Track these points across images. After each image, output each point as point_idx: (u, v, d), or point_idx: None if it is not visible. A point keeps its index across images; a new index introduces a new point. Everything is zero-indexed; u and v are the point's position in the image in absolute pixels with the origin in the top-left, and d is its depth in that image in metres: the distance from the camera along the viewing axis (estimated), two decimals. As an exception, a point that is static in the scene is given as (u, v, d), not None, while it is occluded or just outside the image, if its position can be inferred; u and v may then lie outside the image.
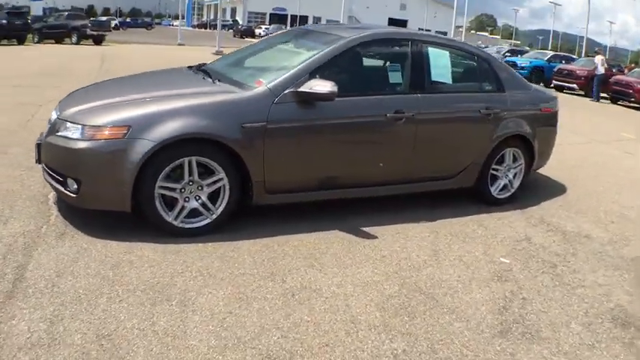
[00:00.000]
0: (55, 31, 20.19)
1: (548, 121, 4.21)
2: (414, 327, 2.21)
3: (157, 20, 73.53)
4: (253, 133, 2.79)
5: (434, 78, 3.51)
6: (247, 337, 2.02)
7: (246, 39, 34.50)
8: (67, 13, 22.76)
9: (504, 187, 3.99)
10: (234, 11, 62.31)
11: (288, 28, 36.03)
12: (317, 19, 45.73)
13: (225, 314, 2.14)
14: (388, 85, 3.41)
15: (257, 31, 38.53)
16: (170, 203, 2.75)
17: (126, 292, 2.22)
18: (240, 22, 50.45)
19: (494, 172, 3.89)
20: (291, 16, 52.62)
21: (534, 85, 4.59)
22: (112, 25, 32.34)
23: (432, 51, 3.53)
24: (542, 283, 2.75)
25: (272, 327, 2.09)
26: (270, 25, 44.57)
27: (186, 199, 2.77)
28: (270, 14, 57.17)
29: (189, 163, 2.70)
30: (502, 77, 3.88)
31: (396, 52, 3.57)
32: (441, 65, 3.57)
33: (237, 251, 2.71)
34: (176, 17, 54.73)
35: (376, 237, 3.12)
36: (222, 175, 2.79)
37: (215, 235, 2.82)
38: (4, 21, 17.31)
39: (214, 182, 2.80)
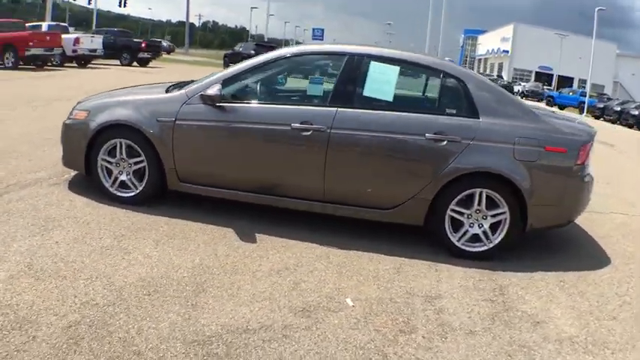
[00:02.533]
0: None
1: (559, 164, 3.27)
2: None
3: None
4: (165, 127, 3.42)
5: (368, 94, 3.31)
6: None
7: None
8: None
9: (476, 238, 3.32)
10: (501, 67, 63.69)
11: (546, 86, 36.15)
12: (582, 82, 42.28)
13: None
14: (304, 97, 3.43)
15: (516, 88, 37.32)
16: (110, 173, 3.65)
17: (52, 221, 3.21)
18: (505, 79, 51.51)
19: (456, 216, 3.30)
20: (558, 76, 49.58)
21: (559, 115, 3.60)
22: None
23: (375, 66, 3.34)
24: None
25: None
26: (531, 82, 43.48)
27: (120, 172, 3.62)
28: (536, 72, 57.54)
29: (120, 144, 3.55)
30: (478, 100, 3.28)
31: (326, 66, 3.53)
32: (381, 81, 3.32)
33: (134, 218, 3.39)
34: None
35: (256, 244, 3.26)
36: (143, 158, 3.52)
37: (139, 208, 3.58)
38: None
39: (137, 163, 3.56)
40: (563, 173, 3.31)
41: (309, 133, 3.25)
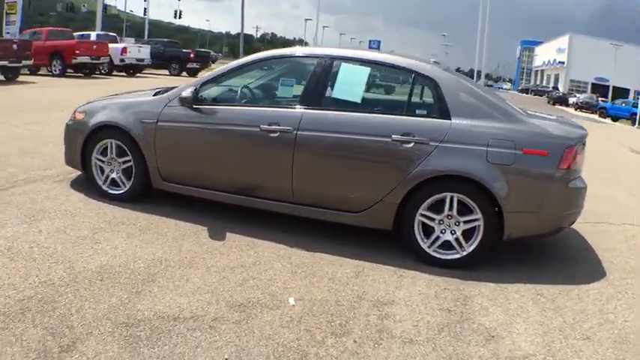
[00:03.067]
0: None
1: (540, 168, 3.06)
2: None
3: (489, 82, 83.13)
4: (148, 128, 3.63)
5: (337, 95, 3.32)
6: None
7: (557, 106, 34.65)
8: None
9: (448, 245, 3.18)
10: (557, 79, 62.95)
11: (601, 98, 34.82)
12: (638, 93, 39.55)
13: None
14: (274, 99, 3.48)
15: (571, 100, 36.01)
16: (103, 171, 3.91)
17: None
18: (561, 90, 50.62)
19: (426, 221, 3.18)
20: (614, 87, 46.91)
21: (551, 117, 3.52)
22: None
23: (345, 67, 3.35)
24: None
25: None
26: (586, 93, 41.65)
27: (111, 170, 3.88)
28: (592, 84, 56.03)
29: (111, 144, 3.81)
30: (450, 101, 3.17)
31: (296, 69, 3.56)
32: (350, 82, 3.31)
33: (118, 213, 3.61)
34: (510, 80, 59.28)
35: (223, 242, 3.33)
36: (131, 157, 3.75)
37: (127, 204, 3.79)
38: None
39: (125, 162, 3.79)
40: (544, 178, 3.08)
41: (276, 134, 3.30)
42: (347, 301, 2.70)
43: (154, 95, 3.82)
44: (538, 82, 66.81)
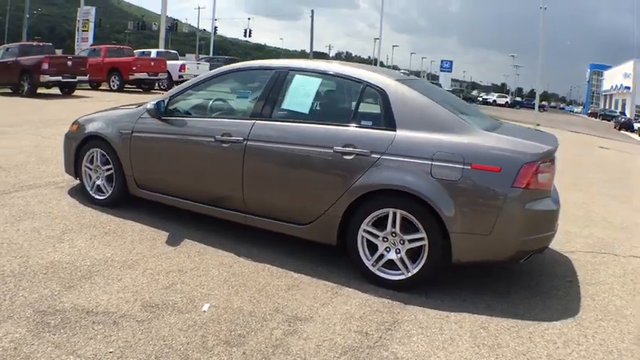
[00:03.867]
0: None
1: (491, 185, 2.86)
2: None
3: (560, 105, 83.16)
4: (125, 138, 3.93)
5: (288, 107, 3.38)
6: None
7: (622, 131, 33.09)
8: None
9: (393, 265, 3.06)
10: (624, 103, 62.05)
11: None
12: None
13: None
14: (233, 111, 3.59)
15: (636, 125, 33.80)
16: (90, 178, 4.26)
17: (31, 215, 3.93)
18: (628, 115, 48.88)
19: (370, 238, 3.10)
20: None
21: (522, 131, 3.32)
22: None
23: (298, 79, 3.43)
24: None
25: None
26: None
27: (97, 177, 4.21)
28: None
29: (96, 153, 4.16)
30: (398, 112, 3.11)
31: (256, 80, 3.66)
32: (302, 94, 3.37)
33: (94, 217, 3.90)
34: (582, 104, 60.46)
35: (175, 247, 3.47)
36: (112, 166, 4.06)
37: (109, 209, 4.09)
38: None
39: (108, 170, 4.11)
40: (495, 197, 2.87)
41: (227, 145, 3.42)
42: (261, 313, 2.69)
43: (136, 107, 4.13)
44: (607, 107, 64.84)
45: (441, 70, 44.68)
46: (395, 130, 3.08)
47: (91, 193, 4.23)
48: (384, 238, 3.07)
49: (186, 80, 19.50)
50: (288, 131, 3.32)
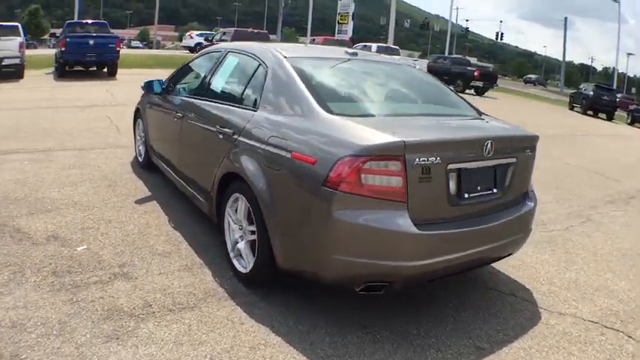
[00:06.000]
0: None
1: (304, 180, 2.43)
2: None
3: None
4: (143, 109, 4.80)
5: (212, 86, 3.55)
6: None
7: None
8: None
9: (242, 256, 2.95)
10: None
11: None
12: None
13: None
14: (189, 89, 3.88)
15: None
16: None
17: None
18: None
19: (230, 221, 3.04)
20: None
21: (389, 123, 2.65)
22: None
23: (228, 59, 3.53)
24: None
25: None
26: None
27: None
28: None
29: (139, 122, 5.18)
30: (266, 89, 2.91)
31: (209, 62, 3.80)
32: (226, 73, 3.48)
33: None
34: None
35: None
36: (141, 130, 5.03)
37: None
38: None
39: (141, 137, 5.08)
40: (306, 196, 2.38)
41: (176, 120, 3.83)
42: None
43: None
44: None
45: None
46: (256, 110, 2.89)
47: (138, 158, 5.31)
48: (239, 225, 2.93)
49: None
50: (200, 109, 3.52)
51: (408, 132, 2.44)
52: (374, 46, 23.00)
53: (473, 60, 29.93)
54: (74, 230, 3.40)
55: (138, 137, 5.27)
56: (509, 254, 3.05)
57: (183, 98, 3.90)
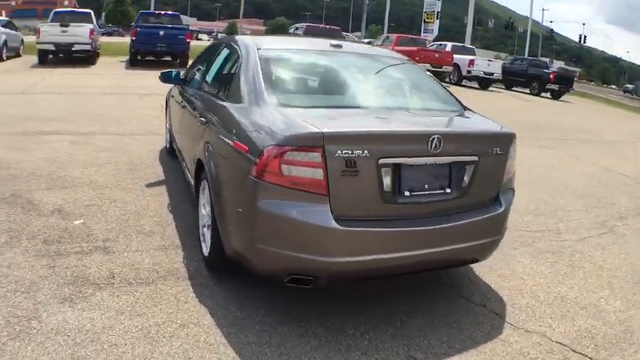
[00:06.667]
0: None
1: (239, 167, 2.57)
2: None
3: None
4: (169, 98, 5.24)
5: (206, 76, 3.85)
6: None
7: None
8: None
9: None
10: None
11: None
12: None
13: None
14: (192, 80, 4.18)
15: None
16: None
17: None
18: None
19: (201, 206, 3.27)
20: None
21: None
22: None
23: (222, 51, 3.75)
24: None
25: None
26: None
27: (166, 132, 5.71)
28: None
29: (167, 112, 5.65)
30: (234, 80, 3.11)
31: (210, 54, 4.09)
32: (216, 64, 3.71)
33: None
34: None
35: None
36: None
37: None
38: None
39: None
40: (239, 183, 2.52)
41: (180, 108, 4.24)
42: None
43: None
44: None
45: None
46: (224, 101, 3.08)
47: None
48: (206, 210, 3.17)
49: (474, 75, 19.96)
50: (191, 99, 3.84)
51: (336, 123, 2.50)
52: (449, 45, 22.70)
53: (560, 63, 28.45)
54: (79, 206, 3.86)
55: (166, 125, 5.74)
56: (475, 260, 2.95)
57: (186, 88, 4.26)
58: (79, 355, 2.18)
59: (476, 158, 2.65)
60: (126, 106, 8.43)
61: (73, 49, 13.53)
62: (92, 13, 15.16)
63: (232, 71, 3.25)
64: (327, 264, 2.37)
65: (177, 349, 2.29)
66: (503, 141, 2.78)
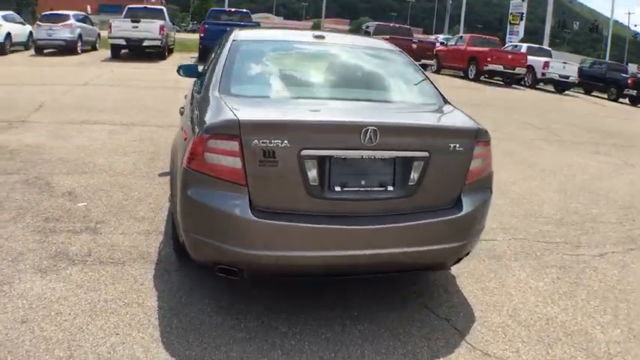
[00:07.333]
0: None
1: (182, 155, 2.66)
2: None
3: None
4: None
5: (205, 68, 4.05)
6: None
7: None
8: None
9: (176, 227, 3.53)
10: None
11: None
12: None
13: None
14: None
15: None
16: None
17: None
18: None
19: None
20: None
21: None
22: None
23: (223, 45, 3.95)
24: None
25: None
26: None
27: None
28: None
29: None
30: (210, 70, 3.26)
31: (217, 47, 4.28)
32: (214, 56, 3.91)
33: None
34: None
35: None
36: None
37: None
38: None
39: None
40: (179, 170, 2.61)
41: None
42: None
43: None
44: None
45: None
46: (196, 92, 3.27)
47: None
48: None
49: (549, 78, 18.93)
50: (191, 91, 4.08)
51: (260, 112, 2.56)
52: (524, 46, 21.89)
53: (634, 67, 26.86)
54: (89, 190, 4.37)
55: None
56: (438, 267, 2.79)
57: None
58: (27, 317, 2.56)
59: (426, 154, 2.47)
60: (176, 100, 9.05)
61: (143, 44, 14.65)
62: (165, 10, 16.34)
63: (211, 63, 3.41)
64: (245, 256, 2.38)
65: (111, 324, 2.58)
66: (464, 137, 2.57)
